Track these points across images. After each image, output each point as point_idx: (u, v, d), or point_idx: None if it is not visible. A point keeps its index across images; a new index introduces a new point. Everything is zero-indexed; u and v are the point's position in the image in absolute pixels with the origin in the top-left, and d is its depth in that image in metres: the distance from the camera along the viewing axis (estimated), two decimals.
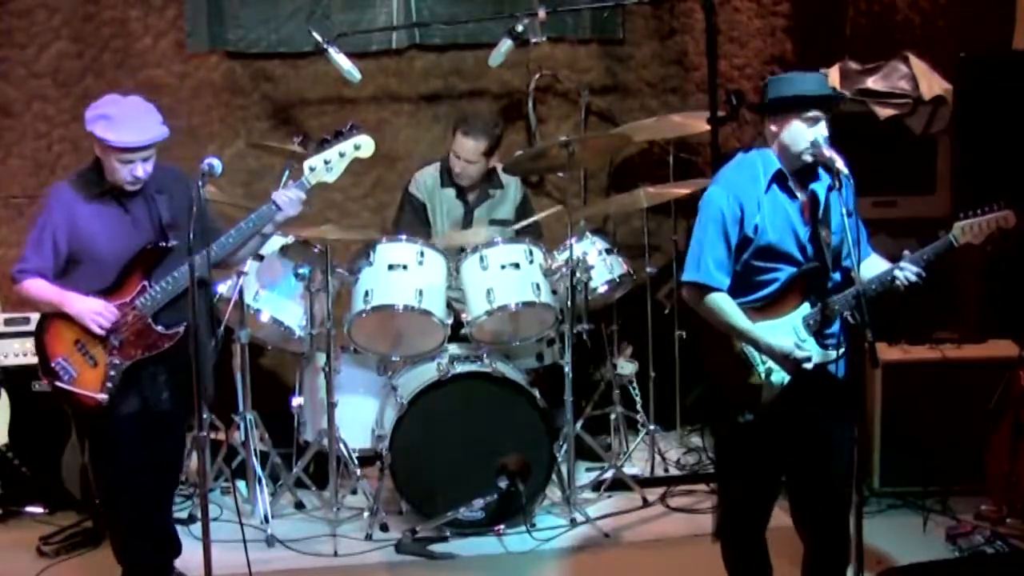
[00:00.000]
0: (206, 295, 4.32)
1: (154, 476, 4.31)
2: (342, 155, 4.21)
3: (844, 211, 3.64)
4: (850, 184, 3.79)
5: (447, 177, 5.63)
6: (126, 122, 3.97)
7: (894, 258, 3.90)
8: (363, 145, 4.26)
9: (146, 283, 4.06)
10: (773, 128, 3.79)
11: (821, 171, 3.79)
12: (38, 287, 4.08)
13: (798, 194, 3.81)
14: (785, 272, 3.80)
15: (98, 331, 4.03)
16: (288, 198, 4.14)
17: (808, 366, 3.73)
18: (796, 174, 3.81)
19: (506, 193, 5.69)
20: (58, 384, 4.07)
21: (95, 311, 4.03)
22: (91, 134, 4.00)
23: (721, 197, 3.79)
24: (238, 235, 4.12)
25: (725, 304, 3.79)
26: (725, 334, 3.80)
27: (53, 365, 4.08)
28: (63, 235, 4.07)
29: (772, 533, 4.11)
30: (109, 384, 4.06)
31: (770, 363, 3.77)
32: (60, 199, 4.12)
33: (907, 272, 3.77)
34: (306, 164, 4.19)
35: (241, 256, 4.33)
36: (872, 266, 3.89)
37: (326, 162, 4.19)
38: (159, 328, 4.08)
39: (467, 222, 5.65)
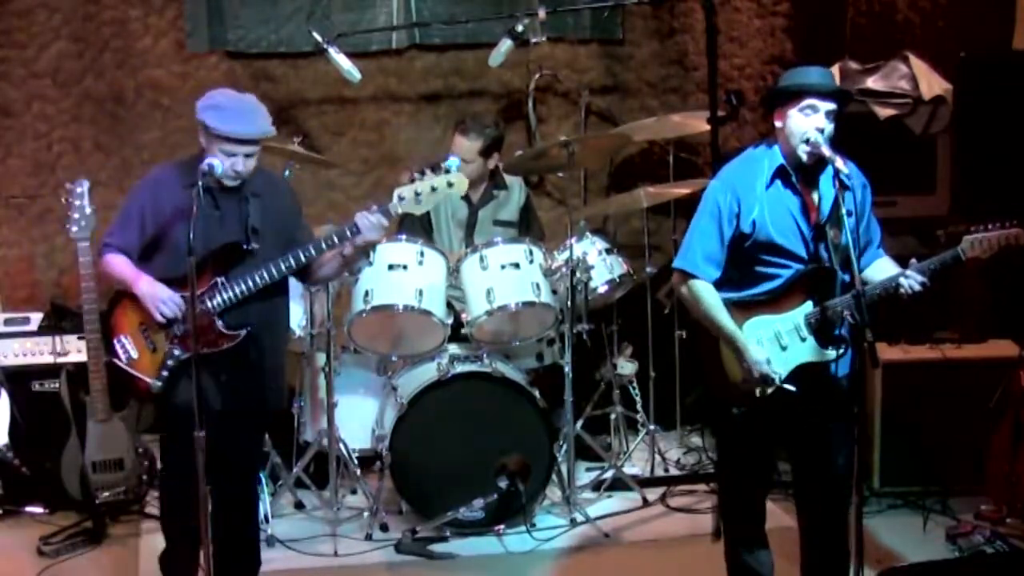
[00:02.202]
0: (282, 301, 4.26)
1: (225, 481, 4.21)
2: (434, 189, 4.11)
3: (845, 211, 3.64)
4: (861, 185, 3.80)
5: None
6: (236, 114, 3.97)
7: (898, 258, 3.90)
8: (457, 184, 4.14)
9: (220, 280, 4.04)
10: (776, 121, 3.80)
11: (831, 167, 3.76)
12: (117, 262, 4.07)
13: (802, 190, 3.81)
14: (790, 268, 3.81)
15: (159, 318, 4.03)
16: (370, 222, 4.05)
17: (768, 385, 3.74)
18: (803, 169, 3.81)
19: (510, 194, 5.69)
20: (116, 363, 4.10)
21: (160, 298, 4.01)
22: (202, 122, 3.98)
23: (719, 191, 3.83)
24: (312, 250, 4.08)
25: (706, 294, 3.82)
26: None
27: (115, 342, 4.10)
28: (150, 217, 4.06)
29: (772, 533, 4.12)
30: (164, 372, 4.05)
31: None
32: (155, 182, 4.12)
33: (911, 281, 3.76)
34: (396, 192, 4.11)
35: (324, 275, 4.28)
36: (880, 270, 3.90)
37: (416, 194, 4.10)
38: (221, 327, 4.06)
39: (471, 223, 5.65)
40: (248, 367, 4.10)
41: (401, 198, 4.11)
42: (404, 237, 5.31)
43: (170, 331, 4.07)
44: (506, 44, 5.70)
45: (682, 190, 5.67)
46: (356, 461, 5.32)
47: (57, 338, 5.36)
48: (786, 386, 3.77)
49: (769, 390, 3.76)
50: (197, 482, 4.11)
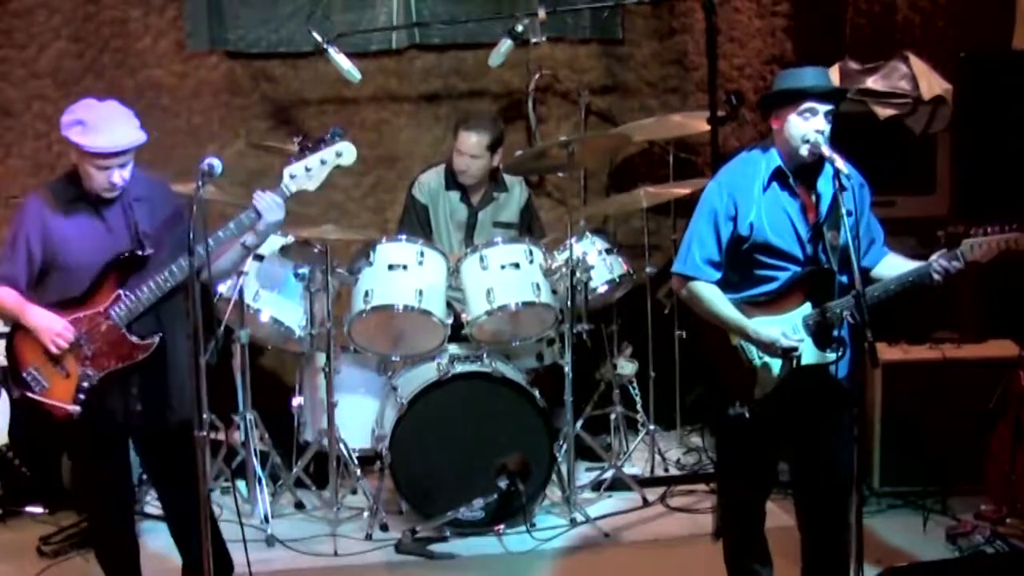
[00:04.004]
0: (182, 302, 4.13)
1: (165, 493, 4.24)
2: (323, 163, 4.08)
3: (844, 211, 3.64)
4: (858, 184, 3.79)
5: (452, 179, 5.63)
6: (101, 127, 3.87)
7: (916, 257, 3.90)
8: (345, 152, 4.11)
9: (121, 292, 3.96)
10: (774, 124, 3.80)
11: (829, 168, 3.77)
12: (3, 296, 3.97)
13: (800, 192, 3.81)
14: (788, 270, 3.81)
15: (54, 351, 3.93)
16: (267, 202, 3.98)
17: (796, 353, 3.74)
18: (800, 171, 3.81)
19: (511, 195, 5.70)
20: (29, 395, 3.97)
21: (54, 331, 3.91)
22: (66, 139, 3.90)
23: (715, 194, 3.84)
24: (216, 242, 3.96)
25: (707, 292, 3.83)
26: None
27: (24, 375, 3.97)
28: (37, 243, 3.95)
29: (772, 533, 4.12)
30: (81, 396, 3.95)
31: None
32: (34, 207, 4.00)
33: (942, 263, 3.76)
34: (286, 171, 4.07)
35: (222, 268, 4.14)
36: (894, 265, 3.89)
37: (307, 169, 4.07)
38: (133, 338, 3.98)
39: (471, 224, 5.65)
40: (165, 373, 4.01)
41: (292, 176, 4.05)
42: (404, 237, 5.32)
43: (80, 352, 3.96)
44: (506, 44, 5.70)
45: (682, 190, 5.67)
46: (356, 461, 5.33)
47: None
48: (741, 410, 3.79)
49: (795, 355, 3.75)
50: (111, 502, 4.10)
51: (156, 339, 3.99)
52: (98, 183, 3.93)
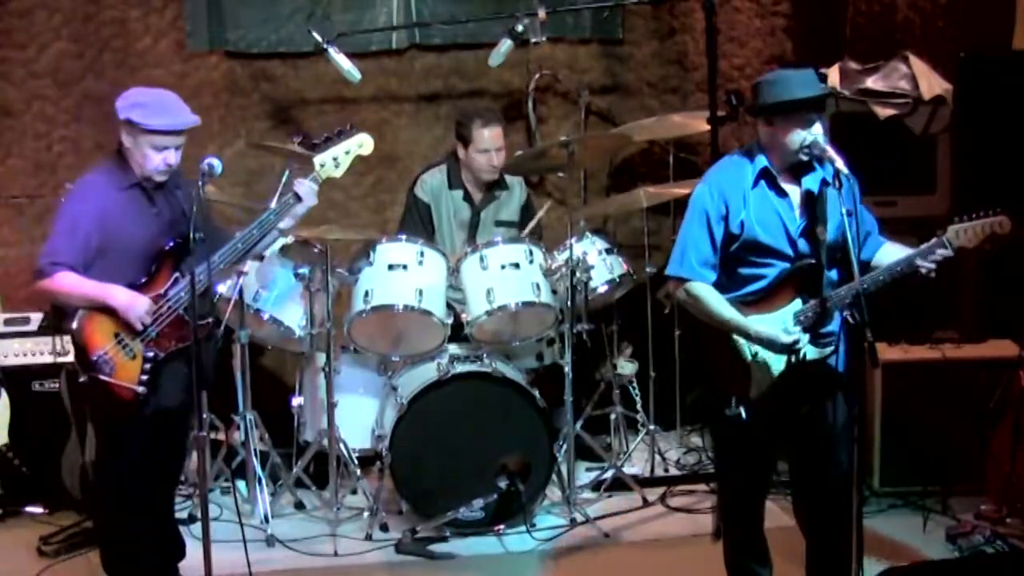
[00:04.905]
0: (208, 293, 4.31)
1: (161, 477, 4.30)
2: (347, 152, 4.40)
3: (844, 211, 3.64)
4: (852, 182, 3.79)
5: (455, 179, 5.63)
6: (162, 108, 4.04)
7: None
8: (365, 143, 4.46)
9: (179, 274, 4.09)
10: (767, 129, 3.80)
11: (815, 164, 3.80)
12: (72, 280, 4.02)
13: (788, 190, 3.83)
14: (776, 267, 3.82)
15: (139, 327, 4.05)
16: (307, 187, 4.26)
17: (798, 347, 3.73)
18: (788, 170, 3.83)
19: (511, 194, 5.71)
20: (100, 377, 4.06)
21: (142, 308, 4.03)
22: (127, 122, 4.02)
23: (706, 195, 3.85)
24: (260, 228, 4.17)
25: (705, 293, 3.84)
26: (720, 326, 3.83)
27: (94, 358, 4.05)
28: (95, 227, 4.05)
29: (772, 532, 4.12)
30: (144, 376, 4.08)
31: (761, 351, 3.78)
32: (93, 191, 4.11)
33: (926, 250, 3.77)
34: (316, 160, 4.35)
35: (253, 253, 4.37)
36: (890, 254, 3.88)
37: (334, 159, 4.37)
38: (190, 320, 4.06)
39: (474, 224, 5.65)
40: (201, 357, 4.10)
41: (322, 164, 4.38)
42: (404, 237, 5.32)
43: (146, 334, 4.09)
44: (506, 44, 5.71)
45: (682, 190, 5.64)
46: (356, 461, 5.33)
47: (57, 338, 5.36)
48: (738, 410, 3.79)
49: (798, 348, 3.74)
50: (142, 492, 4.16)
51: (210, 320, 4.16)
52: (153, 165, 4.06)
